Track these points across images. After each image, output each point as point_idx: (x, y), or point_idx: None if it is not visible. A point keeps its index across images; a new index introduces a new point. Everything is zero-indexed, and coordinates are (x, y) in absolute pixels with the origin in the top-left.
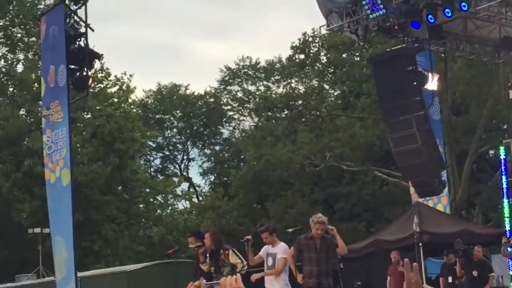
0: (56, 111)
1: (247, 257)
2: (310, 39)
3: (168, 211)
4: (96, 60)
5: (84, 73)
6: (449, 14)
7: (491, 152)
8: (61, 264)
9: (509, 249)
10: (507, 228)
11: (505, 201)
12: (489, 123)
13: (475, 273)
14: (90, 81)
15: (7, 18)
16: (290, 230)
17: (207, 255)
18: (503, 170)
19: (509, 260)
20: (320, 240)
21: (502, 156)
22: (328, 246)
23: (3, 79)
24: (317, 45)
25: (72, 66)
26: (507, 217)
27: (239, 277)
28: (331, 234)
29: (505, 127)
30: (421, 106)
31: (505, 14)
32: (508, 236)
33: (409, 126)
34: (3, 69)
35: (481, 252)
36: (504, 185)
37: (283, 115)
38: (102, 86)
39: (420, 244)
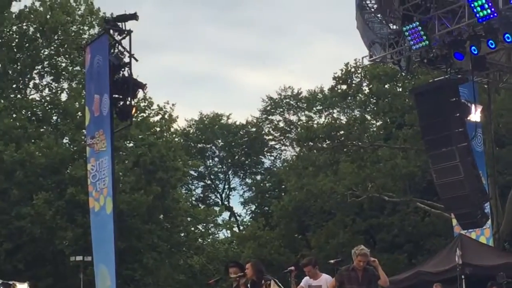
0: (100, 140)
1: None
2: (353, 69)
3: (209, 240)
4: (140, 90)
5: (128, 103)
6: (493, 46)
7: None
8: None
9: None
10: None
11: None
12: None
13: None
14: (134, 110)
15: (52, 48)
16: (332, 261)
17: (248, 286)
18: None
19: None
20: (362, 272)
21: None
22: (370, 278)
23: (47, 108)
24: (359, 75)
25: (116, 96)
26: None
27: None
28: (374, 265)
29: None
30: (464, 138)
31: None
32: None
33: (452, 157)
34: (48, 98)
35: None
36: None
37: (324, 145)
38: (144, 115)
39: (463, 277)
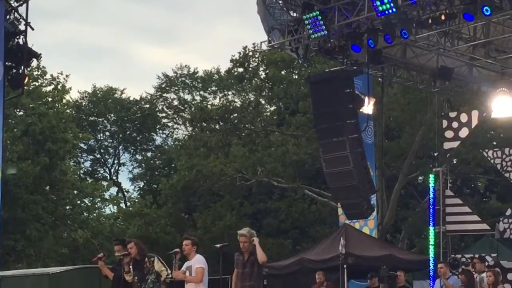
0: None
1: (173, 270)
2: (251, 53)
3: (95, 215)
4: (34, 59)
5: (21, 71)
6: (390, 41)
7: (420, 178)
8: None
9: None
10: (431, 255)
11: (431, 228)
12: (420, 150)
13: None
14: (26, 79)
15: None
16: (217, 245)
17: (131, 265)
18: (431, 198)
19: (431, 287)
20: (248, 255)
21: (431, 185)
22: (253, 261)
23: None
24: (256, 60)
25: (9, 63)
26: (431, 244)
27: None
28: (253, 245)
29: (435, 155)
30: (355, 129)
31: (443, 44)
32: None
33: (343, 148)
34: None
35: (403, 277)
36: (431, 213)
37: (217, 127)
38: (37, 84)
39: (345, 266)
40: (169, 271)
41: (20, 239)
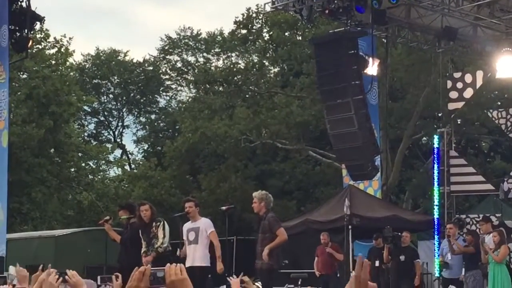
0: None
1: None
2: (254, 15)
3: (99, 177)
4: (37, 22)
5: (24, 35)
6: (394, 1)
7: (424, 139)
8: None
9: (454, 246)
10: (435, 215)
11: (435, 189)
12: (424, 111)
13: (402, 257)
14: (30, 43)
15: None
16: (223, 207)
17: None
18: (435, 158)
19: (436, 247)
20: (261, 220)
21: (436, 145)
22: (264, 228)
23: None
24: (260, 21)
25: (12, 27)
26: (436, 205)
27: (183, 267)
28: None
29: (440, 115)
30: (359, 90)
31: (448, 4)
32: (437, 224)
33: (347, 109)
34: None
35: (409, 238)
36: (436, 173)
37: (221, 89)
38: (40, 47)
39: (350, 227)
40: (166, 242)
41: (26, 202)
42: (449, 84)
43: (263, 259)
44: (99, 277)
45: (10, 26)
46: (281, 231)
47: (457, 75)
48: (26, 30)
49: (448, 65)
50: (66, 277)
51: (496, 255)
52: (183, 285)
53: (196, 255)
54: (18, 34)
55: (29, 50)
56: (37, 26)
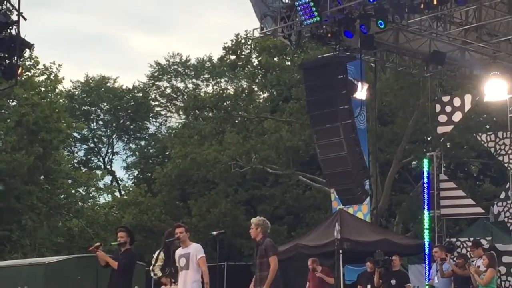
0: None
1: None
2: (243, 40)
3: (90, 204)
4: (27, 49)
5: (14, 62)
6: (382, 26)
7: (414, 163)
8: None
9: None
10: (426, 239)
11: (426, 212)
12: (413, 135)
13: (393, 281)
14: (20, 70)
15: None
16: (214, 233)
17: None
18: (425, 182)
19: (426, 271)
20: (259, 246)
21: (426, 169)
22: (261, 252)
23: None
24: (249, 47)
25: (1, 54)
26: (426, 228)
27: None
28: None
29: (429, 139)
30: (349, 115)
31: (436, 28)
32: (427, 248)
33: (336, 134)
34: None
35: (399, 261)
36: (425, 197)
37: (211, 115)
38: (29, 74)
39: (341, 252)
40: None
41: (15, 229)
42: (438, 108)
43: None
44: None
45: None
46: (272, 259)
47: (445, 98)
48: (15, 58)
49: (436, 89)
50: None
51: (481, 279)
52: None
53: (188, 280)
54: (7, 61)
55: (18, 78)
56: (27, 53)
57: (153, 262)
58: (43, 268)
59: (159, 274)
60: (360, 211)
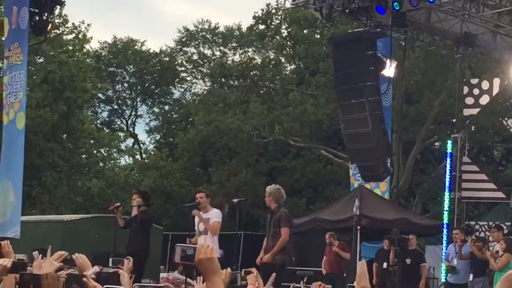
0: (15, 53)
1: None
2: (273, 11)
3: (110, 165)
4: (57, 6)
5: (44, 18)
6: (415, 4)
7: (437, 144)
8: (6, 208)
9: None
10: (445, 221)
11: (446, 194)
12: (439, 116)
13: (408, 261)
14: (50, 26)
15: None
16: (235, 200)
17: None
18: (448, 163)
19: (444, 252)
20: (273, 215)
21: (449, 150)
22: (275, 222)
23: None
24: (279, 17)
25: (32, 9)
26: (446, 210)
27: (214, 248)
28: None
29: (454, 121)
30: (376, 92)
31: (468, 10)
32: (445, 229)
33: (362, 110)
34: None
35: (415, 240)
36: (447, 179)
37: (236, 84)
38: (58, 32)
39: (358, 228)
40: None
41: (36, 186)
42: (466, 90)
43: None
44: (110, 259)
45: (30, 9)
46: (284, 231)
47: (474, 81)
48: (46, 14)
49: (465, 71)
50: (73, 256)
51: (497, 264)
52: (210, 264)
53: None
54: (37, 17)
55: (47, 35)
56: (57, 10)
57: None
58: (61, 226)
59: None
60: (378, 188)
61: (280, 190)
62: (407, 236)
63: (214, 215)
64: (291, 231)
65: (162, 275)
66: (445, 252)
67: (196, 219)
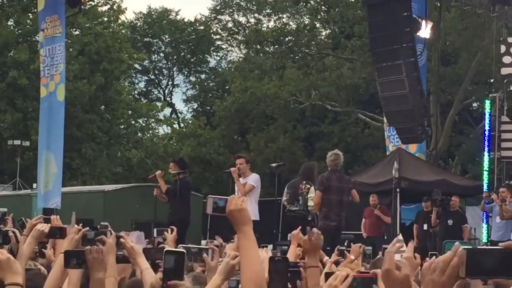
0: (54, 26)
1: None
2: None
3: (149, 135)
4: None
5: None
6: None
7: (475, 105)
8: (49, 179)
9: (486, 204)
10: (485, 181)
11: (486, 154)
12: (476, 76)
13: (450, 222)
14: None
15: None
16: (273, 165)
17: None
18: (486, 123)
19: (484, 213)
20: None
21: (487, 110)
22: None
23: None
24: None
25: None
26: (485, 170)
27: (245, 199)
28: None
29: (491, 81)
30: (412, 53)
31: None
32: (487, 190)
33: (399, 72)
34: None
35: (458, 202)
36: (486, 139)
37: (272, 50)
38: (93, 3)
39: (398, 190)
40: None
41: (76, 157)
42: (503, 49)
43: None
44: (155, 230)
45: None
46: (316, 194)
47: (511, 39)
48: None
49: (502, 30)
50: (122, 240)
51: None
52: (241, 216)
53: None
54: None
55: (82, 6)
56: None
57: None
58: (102, 196)
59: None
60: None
61: (329, 156)
62: (449, 197)
63: (251, 179)
64: (324, 194)
65: (202, 242)
66: (485, 212)
67: (236, 187)
